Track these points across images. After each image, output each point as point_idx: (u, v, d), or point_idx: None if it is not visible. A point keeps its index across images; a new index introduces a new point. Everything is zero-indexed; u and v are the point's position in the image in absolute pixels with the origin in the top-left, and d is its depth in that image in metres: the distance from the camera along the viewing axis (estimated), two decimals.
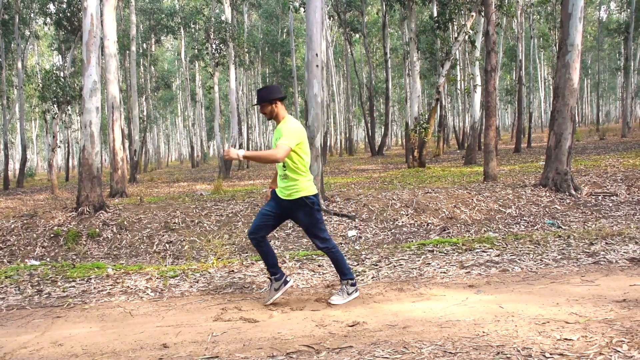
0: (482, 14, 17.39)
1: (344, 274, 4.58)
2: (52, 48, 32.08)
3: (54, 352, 3.70)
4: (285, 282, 4.61)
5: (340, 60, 42.78)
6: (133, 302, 4.96)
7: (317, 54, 9.96)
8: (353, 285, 4.58)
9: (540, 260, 5.75)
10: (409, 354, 3.27)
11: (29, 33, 28.68)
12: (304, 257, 6.32)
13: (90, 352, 3.67)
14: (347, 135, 42.09)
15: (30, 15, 27.45)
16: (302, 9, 22.77)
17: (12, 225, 9.40)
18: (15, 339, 4.03)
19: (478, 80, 21.14)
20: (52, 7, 23.82)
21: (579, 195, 10.18)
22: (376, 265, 5.89)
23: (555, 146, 10.43)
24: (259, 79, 41.93)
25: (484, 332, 3.59)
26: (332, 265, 5.92)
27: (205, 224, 9.39)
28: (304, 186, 4.43)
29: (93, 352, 3.65)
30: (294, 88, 29.35)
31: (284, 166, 4.44)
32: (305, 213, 4.47)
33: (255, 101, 4.53)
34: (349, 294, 4.54)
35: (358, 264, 5.95)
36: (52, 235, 9.06)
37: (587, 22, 47.05)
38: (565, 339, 3.37)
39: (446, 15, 19.91)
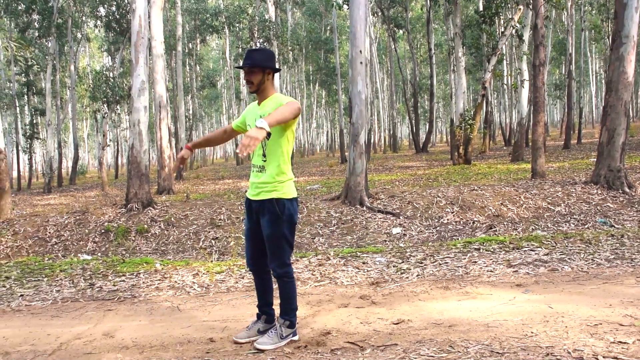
0: (530, 6, 16.95)
1: (287, 312, 3.63)
2: (102, 49, 33.10)
3: (105, 344, 3.81)
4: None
5: (383, 57, 42.46)
6: (180, 297, 5.06)
7: (360, 51, 9.92)
8: (291, 327, 3.64)
9: (592, 259, 5.57)
10: (454, 353, 3.22)
11: (80, 36, 29.64)
12: (349, 254, 6.32)
13: (139, 344, 3.77)
14: (391, 132, 41.79)
15: (82, 18, 28.37)
16: (345, 6, 22.74)
17: (66, 221, 9.74)
18: (70, 329, 4.18)
19: (526, 75, 20.66)
20: (102, 10, 24.56)
21: (633, 193, 9.81)
22: (421, 263, 5.83)
23: (607, 142, 10.08)
24: (303, 76, 42.11)
25: (532, 332, 3.50)
26: (368, 268, 5.88)
27: None
28: (282, 186, 3.51)
29: (142, 345, 3.75)
30: (338, 85, 29.28)
31: (264, 155, 3.51)
32: (270, 220, 3.51)
33: (242, 63, 3.56)
34: (282, 338, 3.59)
35: (403, 262, 5.90)
36: (102, 230, 9.35)
37: None
38: (620, 342, 3.25)
39: (492, 9, 19.47)
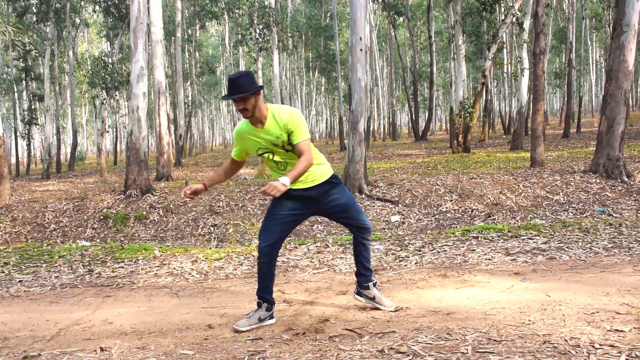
0: None
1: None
2: (101, 35, 32.83)
3: (104, 330, 3.83)
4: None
5: (383, 44, 42.19)
6: (179, 284, 5.08)
7: (360, 38, 9.86)
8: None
9: (590, 248, 5.59)
10: (452, 341, 3.24)
11: (79, 21, 29.41)
12: (347, 242, 6.33)
13: (138, 330, 3.78)
14: (391, 120, 41.72)
15: (80, 3, 28.15)
16: None
17: (65, 207, 9.74)
18: (69, 315, 4.19)
19: (526, 64, 20.56)
20: None
21: (631, 183, 9.82)
22: (420, 251, 5.85)
23: (607, 131, 10.07)
24: (302, 63, 41.89)
25: (529, 320, 3.52)
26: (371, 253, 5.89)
27: (249, 208, 9.50)
28: (325, 172, 3.72)
29: (141, 331, 3.76)
30: (337, 72, 29.12)
31: (276, 163, 3.64)
32: (338, 191, 3.75)
33: (228, 93, 3.37)
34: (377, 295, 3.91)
35: (401, 250, 5.92)
36: (101, 217, 9.35)
37: None
38: (617, 330, 3.26)
39: None
